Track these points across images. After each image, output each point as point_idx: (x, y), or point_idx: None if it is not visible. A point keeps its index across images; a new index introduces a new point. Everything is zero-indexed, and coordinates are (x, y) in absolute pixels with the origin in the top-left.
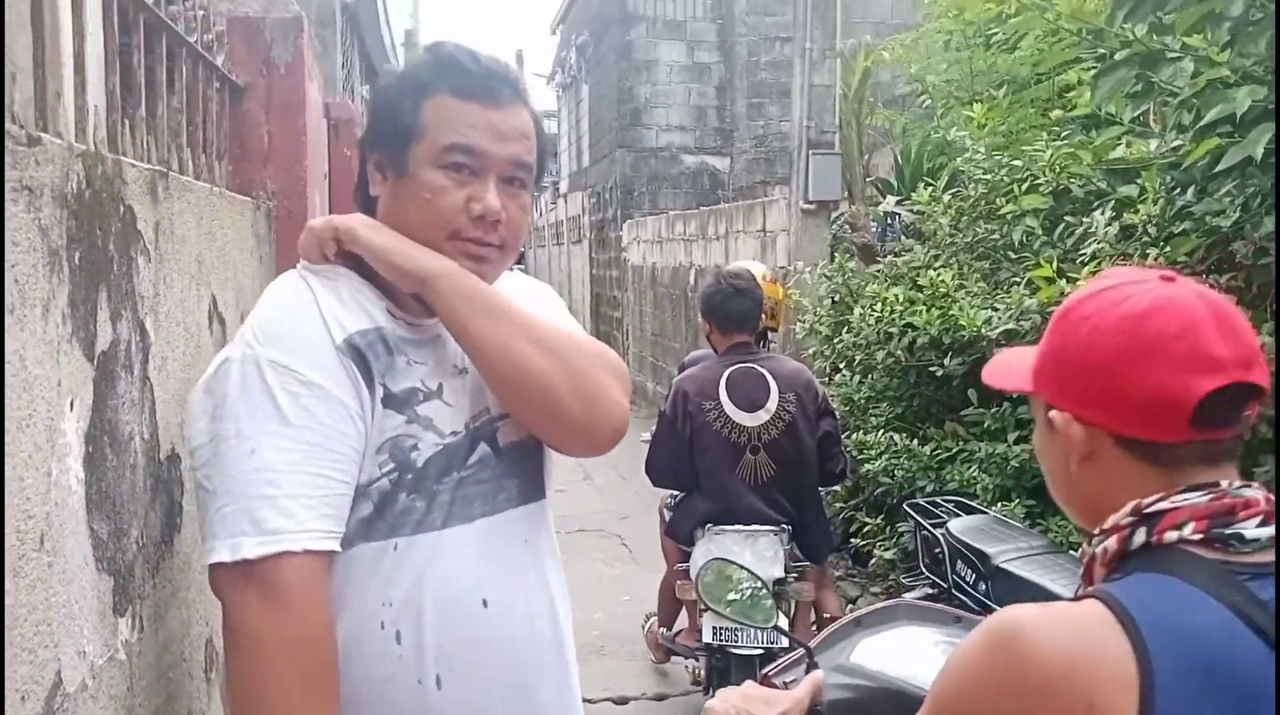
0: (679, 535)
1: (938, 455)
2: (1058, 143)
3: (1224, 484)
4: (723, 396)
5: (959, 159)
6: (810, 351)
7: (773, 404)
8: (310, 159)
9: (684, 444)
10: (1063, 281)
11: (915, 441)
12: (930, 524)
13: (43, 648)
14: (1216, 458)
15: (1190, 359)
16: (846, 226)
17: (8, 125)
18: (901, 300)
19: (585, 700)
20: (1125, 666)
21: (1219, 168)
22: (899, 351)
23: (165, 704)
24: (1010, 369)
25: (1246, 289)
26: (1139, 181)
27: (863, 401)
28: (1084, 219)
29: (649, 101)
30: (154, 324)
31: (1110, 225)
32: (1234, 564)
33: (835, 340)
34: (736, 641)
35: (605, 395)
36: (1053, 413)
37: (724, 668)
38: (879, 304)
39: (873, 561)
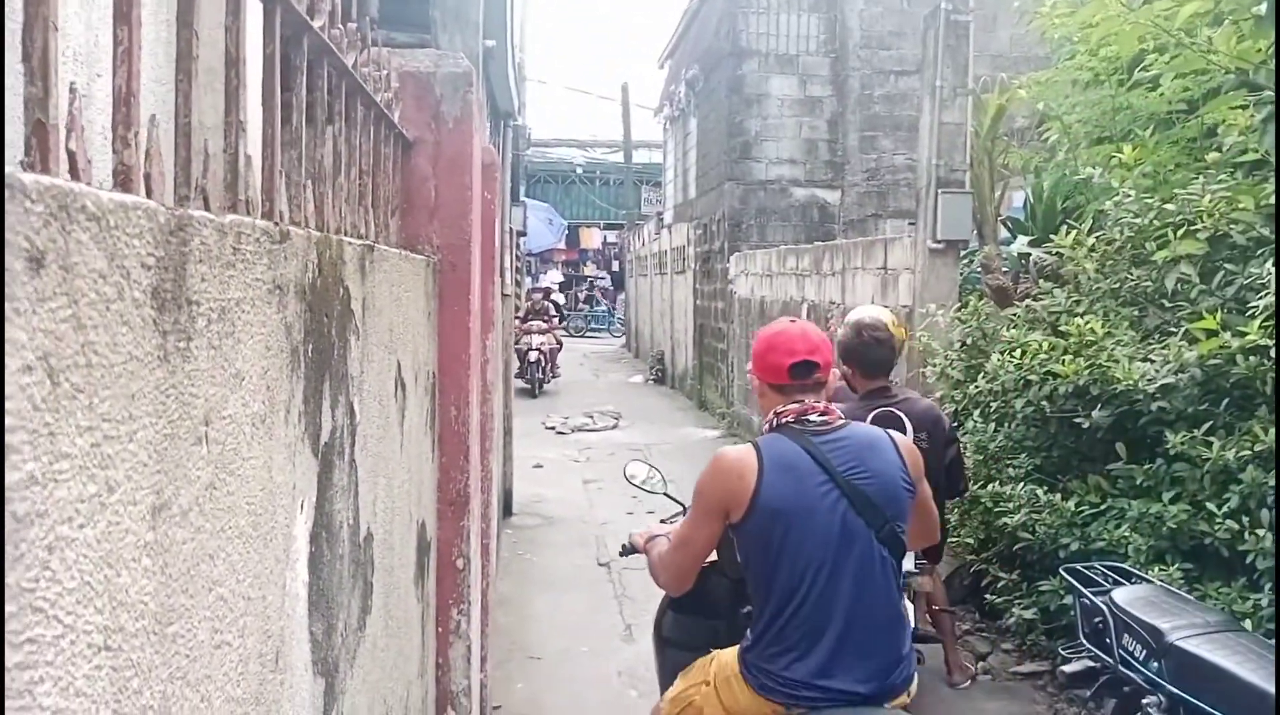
0: None
1: (1081, 511)
2: (1215, 186)
3: (807, 401)
4: None
5: (1107, 201)
6: (939, 395)
7: None
8: (473, 212)
9: None
10: (1227, 334)
11: (1058, 496)
12: (1090, 592)
13: None
14: (804, 391)
15: (787, 351)
16: (980, 268)
17: (258, 223)
18: (1044, 348)
19: None
20: (754, 463)
21: None
22: (1040, 401)
23: None
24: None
25: None
26: None
27: (997, 451)
28: (1247, 268)
29: (759, 135)
30: (360, 404)
31: None
32: (806, 431)
33: (969, 385)
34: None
35: None
36: (749, 375)
37: None
38: (1018, 351)
39: (1012, 620)
